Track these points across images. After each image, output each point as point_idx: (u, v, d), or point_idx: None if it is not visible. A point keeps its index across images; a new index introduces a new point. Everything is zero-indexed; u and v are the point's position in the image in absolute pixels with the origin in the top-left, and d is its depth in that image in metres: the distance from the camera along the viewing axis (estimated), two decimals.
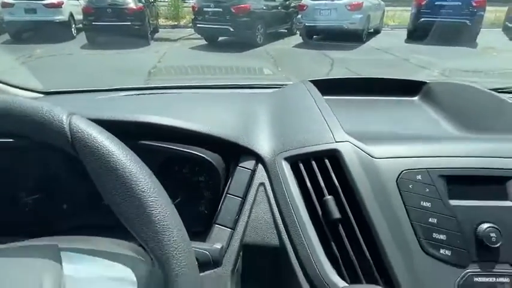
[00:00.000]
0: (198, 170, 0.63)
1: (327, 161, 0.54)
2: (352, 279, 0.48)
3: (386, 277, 0.47)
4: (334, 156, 0.54)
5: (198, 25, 7.56)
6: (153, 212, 0.33)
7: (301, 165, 0.55)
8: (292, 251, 0.51)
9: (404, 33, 8.29)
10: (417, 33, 7.66)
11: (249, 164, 0.58)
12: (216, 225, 0.54)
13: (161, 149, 0.56)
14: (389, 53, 6.43)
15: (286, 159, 0.57)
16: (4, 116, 0.35)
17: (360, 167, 0.52)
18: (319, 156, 0.55)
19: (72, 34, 7.83)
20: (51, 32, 7.20)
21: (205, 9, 7.41)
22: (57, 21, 7.61)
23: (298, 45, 7.49)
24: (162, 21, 9.63)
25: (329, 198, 0.51)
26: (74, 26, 7.93)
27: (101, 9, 7.31)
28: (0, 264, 0.36)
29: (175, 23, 9.72)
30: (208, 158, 0.56)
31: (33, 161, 0.66)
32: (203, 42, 7.61)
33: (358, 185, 0.51)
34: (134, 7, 7.50)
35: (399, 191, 0.49)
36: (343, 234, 0.50)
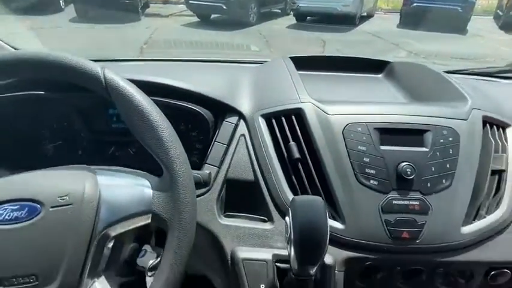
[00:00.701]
0: (192, 126, 0.78)
1: (293, 117, 0.69)
2: None
3: (330, 199, 0.64)
4: (299, 113, 0.69)
5: (190, 1, 7.48)
6: (164, 135, 0.48)
7: (273, 121, 0.71)
8: (264, 184, 0.67)
9: (396, 18, 8.38)
10: (409, 19, 7.76)
11: (233, 119, 0.73)
12: (206, 164, 0.69)
13: (166, 104, 0.70)
14: (379, 37, 6.55)
15: (262, 115, 0.72)
16: (55, 66, 0.49)
17: (317, 121, 0.67)
18: (288, 113, 0.70)
19: (60, 6, 7.66)
20: (38, 3, 7.04)
21: None
22: None
23: (291, 26, 7.52)
24: None
25: (292, 143, 0.67)
26: None
27: None
28: (49, 174, 0.51)
29: None
30: (202, 112, 0.71)
31: (55, 113, 0.79)
32: (195, 19, 7.57)
33: (315, 135, 0.66)
34: None
35: (344, 138, 0.65)
36: (301, 169, 0.66)
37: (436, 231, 0.63)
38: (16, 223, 0.45)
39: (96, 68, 0.49)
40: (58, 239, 0.45)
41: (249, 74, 0.88)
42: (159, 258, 0.61)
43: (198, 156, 0.76)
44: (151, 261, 0.60)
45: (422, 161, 0.64)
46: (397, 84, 0.97)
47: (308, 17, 7.89)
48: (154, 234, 0.68)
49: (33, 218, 0.45)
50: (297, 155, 0.66)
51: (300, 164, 0.66)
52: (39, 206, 0.46)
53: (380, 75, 1.07)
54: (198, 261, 0.72)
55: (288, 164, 0.67)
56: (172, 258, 0.46)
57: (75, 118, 0.80)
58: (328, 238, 0.47)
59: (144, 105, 0.49)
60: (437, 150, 0.65)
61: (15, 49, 1.06)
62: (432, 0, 7.82)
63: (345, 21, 7.31)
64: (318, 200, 0.50)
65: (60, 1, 7.67)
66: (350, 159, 0.64)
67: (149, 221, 0.49)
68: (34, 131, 0.80)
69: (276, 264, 0.61)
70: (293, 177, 0.66)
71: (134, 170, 0.55)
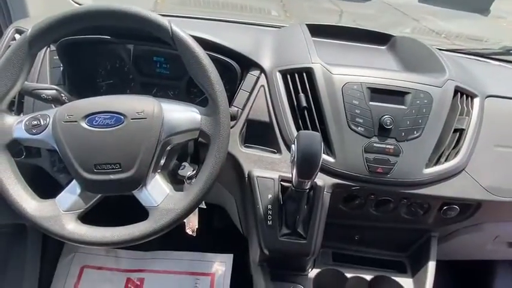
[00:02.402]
0: (224, 75, 0.96)
1: (304, 74, 0.87)
2: None
3: (326, 139, 0.83)
4: (309, 71, 0.87)
5: None
6: (212, 75, 0.67)
7: (288, 76, 0.89)
8: (276, 125, 0.87)
9: None
10: None
11: (256, 72, 0.91)
12: (233, 106, 0.88)
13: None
14: (400, 11, 6.41)
15: (279, 71, 0.90)
16: (136, 17, 0.67)
17: (323, 79, 0.85)
18: (300, 71, 0.88)
19: None
20: None
21: None
22: None
23: None
24: None
25: (302, 95, 0.85)
26: None
27: None
28: (129, 97, 0.71)
29: None
30: (233, 65, 0.90)
31: (112, 55, 0.98)
32: None
33: (320, 89, 0.85)
34: None
35: (342, 94, 0.84)
36: (306, 115, 0.85)
37: (404, 170, 0.83)
38: (107, 127, 0.65)
39: (165, 22, 0.67)
40: (136, 141, 0.66)
41: (270, 35, 1.04)
42: (194, 171, 0.83)
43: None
44: (189, 173, 0.82)
45: (400, 115, 0.83)
46: (395, 56, 1.13)
47: None
48: (190, 155, 0.89)
49: (119, 125, 0.66)
50: (304, 103, 0.85)
51: (305, 111, 0.85)
52: (123, 117, 0.66)
53: (384, 47, 1.23)
54: (221, 178, 0.94)
55: (297, 111, 0.86)
56: (214, 159, 0.67)
57: (127, 61, 0.99)
58: (320, 160, 0.67)
59: (199, 53, 0.67)
60: (413, 108, 0.83)
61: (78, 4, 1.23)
62: None
63: None
64: (316, 134, 0.69)
65: None
66: (345, 110, 0.83)
67: (197, 136, 0.70)
68: (93, 70, 0.99)
69: (281, 182, 0.83)
70: (299, 120, 0.85)
71: (187, 103, 0.74)
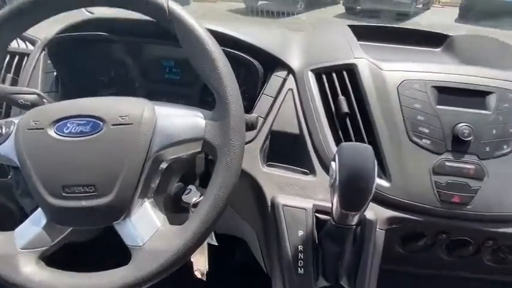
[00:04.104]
0: (242, 76, 0.79)
1: (344, 72, 0.68)
2: None
3: (377, 156, 0.62)
4: (351, 69, 0.68)
5: None
6: (220, 66, 0.49)
7: (323, 76, 0.70)
8: (308, 137, 0.67)
9: (455, 12, 7.81)
10: (470, 13, 7.21)
11: (282, 73, 0.73)
12: (250, 114, 0.70)
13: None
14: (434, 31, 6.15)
15: (312, 71, 0.71)
16: None
17: (370, 77, 0.65)
18: (339, 69, 0.69)
19: None
20: None
21: None
22: None
23: (339, 15, 7.29)
24: None
25: (342, 97, 0.65)
26: None
27: None
28: (112, 99, 0.54)
29: None
30: (254, 63, 0.72)
31: (114, 59, 0.84)
32: (241, 5, 7.59)
33: (366, 90, 0.64)
34: None
35: (398, 95, 0.63)
36: (349, 123, 0.64)
37: (491, 199, 0.59)
38: (81, 136, 0.49)
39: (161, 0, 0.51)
40: (117, 155, 0.48)
41: (299, 33, 0.87)
42: (202, 197, 0.64)
43: (244, 106, 0.78)
44: (195, 199, 0.63)
45: (482, 123, 0.60)
46: (456, 56, 0.91)
47: (358, 7, 7.59)
48: (199, 177, 0.70)
49: (95, 133, 0.49)
50: (345, 109, 0.64)
51: (348, 119, 0.65)
52: (101, 123, 0.49)
53: (438, 49, 1.01)
54: (237, 206, 0.73)
55: (335, 118, 0.66)
56: (220, 182, 0.48)
57: (132, 66, 0.84)
58: (374, 185, 0.46)
59: (204, 37, 0.50)
60: (501, 114, 0.60)
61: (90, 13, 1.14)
62: None
63: (398, 13, 6.95)
64: (367, 146, 0.49)
65: None
66: (403, 116, 0.62)
67: (200, 148, 0.51)
68: (93, 78, 0.86)
69: (316, 214, 0.61)
70: (339, 131, 0.65)
71: (188, 106, 0.57)
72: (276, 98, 0.71)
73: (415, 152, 0.60)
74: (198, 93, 0.85)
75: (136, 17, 0.74)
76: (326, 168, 0.64)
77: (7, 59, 0.82)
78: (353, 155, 0.47)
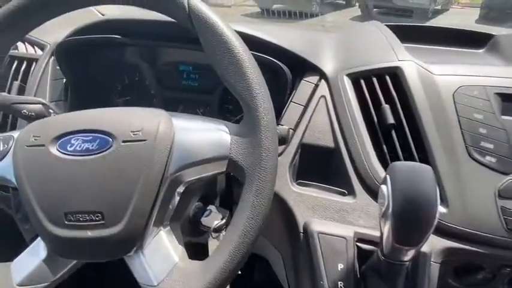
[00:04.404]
0: (268, 81, 0.71)
1: (387, 77, 0.59)
2: None
3: None
4: (395, 73, 0.59)
5: None
6: (249, 70, 0.42)
7: (362, 81, 0.61)
8: (346, 152, 0.58)
9: (475, 13, 7.56)
10: (491, 13, 6.96)
11: (313, 79, 0.65)
12: (280, 125, 0.62)
13: None
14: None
15: (348, 75, 0.62)
16: None
17: (419, 82, 0.56)
18: (381, 73, 0.60)
19: None
20: None
21: None
22: None
23: (355, 18, 7.16)
24: None
25: (386, 106, 0.57)
26: None
27: None
28: (124, 110, 0.47)
29: None
30: (283, 67, 0.64)
31: (128, 65, 0.78)
32: (256, 9, 7.55)
33: (415, 97, 0.55)
34: None
35: (454, 103, 0.53)
36: (395, 137, 0.55)
37: None
38: (86, 155, 0.41)
39: None
40: (128, 177, 0.41)
41: (331, 34, 0.78)
42: (224, 220, 0.56)
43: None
44: (216, 222, 0.55)
45: None
46: (504, 60, 0.80)
47: (375, 9, 7.43)
48: (219, 195, 0.63)
49: (103, 151, 0.41)
50: (390, 119, 0.56)
51: (393, 131, 0.56)
52: (110, 139, 0.42)
53: (481, 51, 0.91)
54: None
55: (378, 130, 0.57)
56: (249, 211, 0.40)
57: (147, 72, 0.78)
58: (437, 215, 0.38)
59: (230, 36, 0.42)
60: None
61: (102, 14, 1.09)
62: None
63: (416, 14, 6.77)
64: (426, 167, 0.40)
65: None
66: (461, 128, 0.52)
67: (224, 168, 0.43)
68: (105, 84, 0.79)
69: (358, 243, 0.52)
70: (383, 145, 0.56)
71: (210, 118, 0.50)
72: (306, 107, 0.63)
73: (477, 171, 0.51)
74: (218, 100, 0.77)
75: (152, 17, 0.67)
76: (368, 188, 0.55)
77: (15, 64, 0.77)
78: (410, 178, 0.39)
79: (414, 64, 0.58)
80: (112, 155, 0.41)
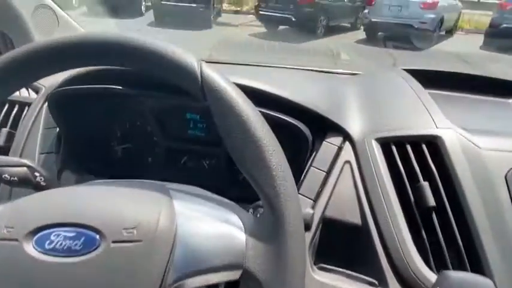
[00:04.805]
0: (285, 144, 0.63)
1: (424, 146, 0.52)
2: (439, 269, 0.46)
3: (477, 268, 0.44)
4: (434, 142, 0.51)
5: (261, 12, 7.58)
6: (272, 159, 0.34)
7: (393, 148, 0.53)
8: (376, 233, 0.50)
9: (479, 39, 7.60)
10: (496, 40, 6.99)
11: (336, 140, 0.58)
12: (299, 195, 0.54)
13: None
14: (461, 59, 5.96)
15: (377, 139, 0.55)
16: (140, 53, 0.37)
17: (464, 156, 0.49)
18: (416, 141, 0.52)
19: (141, 11, 8.28)
20: (121, 7, 7.64)
21: None
22: None
23: (360, 41, 7.20)
24: (225, 5, 9.80)
25: (424, 184, 0.49)
26: (143, 3, 8.36)
27: None
28: (116, 193, 0.39)
29: (238, 9, 9.83)
30: (301, 127, 0.57)
31: (128, 111, 0.71)
32: (263, 29, 7.63)
33: (459, 174, 0.48)
34: None
35: (508, 186, 0.46)
36: (437, 224, 0.47)
37: None
38: (68, 256, 0.33)
39: (192, 61, 0.37)
40: (118, 287, 0.33)
41: (352, 85, 0.71)
42: None
43: None
44: None
45: None
46: None
47: (380, 33, 7.49)
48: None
49: (89, 252, 0.33)
50: (431, 201, 0.47)
51: (434, 214, 0.48)
52: (98, 237, 0.34)
53: (511, 100, 0.84)
54: None
55: (416, 212, 0.49)
56: None
57: (149, 119, 0.71)
58: None
59: (250, 116, 0.35)
60: None
61: None
62: None
63: (421, 38, 6.81)
64: (487, 282, 0.32)
65: (142, 6, 8.29)
66: None
67: (237, 277, 0.35)
68: (104, 130, 0.72)
69: None
70: (422, 229, 0.48)
71: (219, 198, 0.42)
72: (329, 173, 0.55)
73: None
74: (226, 153, 0.70)
75: None
76: (403, 281, 0.47)
77: (5, 108, 0.70)
78: None
79: (455, 134, 0.51)
80: (99, 259, 0.33)
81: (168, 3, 7.52)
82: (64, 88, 0.59)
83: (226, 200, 0.41)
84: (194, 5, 7.58)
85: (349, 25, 8.37)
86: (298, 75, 0.88)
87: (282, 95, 0.58)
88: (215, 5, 8.41)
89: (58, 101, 0.61)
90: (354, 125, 0.58)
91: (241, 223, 0.36)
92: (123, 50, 0.38)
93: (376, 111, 0.60)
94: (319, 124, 0.59)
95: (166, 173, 0.72)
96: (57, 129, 0.65)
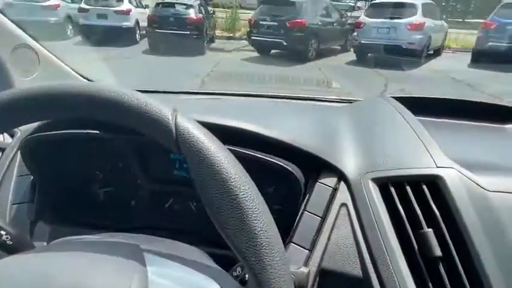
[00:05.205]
0: (274, 188, 0.59)
1: (425, 187, 0.48)
2: None
3: None
4: (434, 183, 0.48)
5: (253, 37, 7.73)
6: (257, 227, 0.30)
7: (392, 189, 0.50)
8: (378, 285, 0.45)
9: (466, 57, 7.79)
10: (483, 58, 7.17)
11: (331, 181, 0.54)
12: (292, 243, 0.49)
13: (242, 156, 0.53)
14: (450, 77, 6.07)
15: (374, 180, 0.51)
16: (111, 105, 0.34)
17: (468, 199, 0.45)
18: (416, 181, 0.49)
19: (136, 39, 8.41)
20: (116, 35, 7.76)
21: (261, 22, 7.58)
22: (125, 27, 8.22)
23: (350, 62, 7.34)
24: (218, 32, 10.01)
25: (429, 231, 0.45)
26: (138, 32, 8.51)
27: (165, 18, 7.77)
28: (87, 260, 0.35)
29: (231, 35, 10.04)
30: (292, 170, 0.53)
31: (109, 153, 0.67)
32: (255, 54, 7.75)
33: (465, 219, 0.44)
34: (194, 17, 7.90)
35: None
36: (445, 275, 0.43)
37: None
38: None
39: (166, 113, 0.33)
40: None
41: (343, 117, 0.68)
42: None
43: (278, 222, 0.58)
44: None
45: None
46: None
47: (369, 54, 7.65)
48: None
49: None
50: (437, 251, 0.43)
51: (440, 265, 0.43)
52: None
53: (509, 126, 0.81)
54: None
55: (420, 260, 0.45)
56: None
57: (132, 161, 0.67)
58: None
59: (231, 175, 0.32)
60: None
61: (88, 80, 1.01)
62: (509, 39, 7.19)
63: (409, 59, 6.95)
64: None
65: (137, 35, 8.44)
66: None
67: None
68: (83, 175, 0.68)
69: None
70: (429, 283, 0.43)
71: (202, 257, 0.37)
72: (324, 218, 0.51)
73: None
74: None
75: None
76: None
77: None
78: None
79: (457, 173, 0.47)
80: None
81: (162, 31, 7.65)
82: (37, 134, 0.55)
83: (209, 263, 0.36)
84: (187, 32, 7.72)
85: (339, 47, 8.55)
86: (288, 108, 0.86)
87: (270, 135, 0.55)
88: (208, 32, 8.59)
89: (32, 148, 0.57)
90: (349, 164, 0.54)
91: None
92: (93, 101, 0.35)
93: (371, 147, 0.57)
94: (311, 164, 0.56)
95: (151, 217, 0.67)
96: (32, 176, 0.60)
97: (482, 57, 7.26)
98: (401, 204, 0.48)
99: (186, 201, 0.68)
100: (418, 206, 0.47)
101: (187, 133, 0.33)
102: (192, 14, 7.92)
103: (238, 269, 0.44)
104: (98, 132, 0.57)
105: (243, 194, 0.32)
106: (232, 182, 0.32)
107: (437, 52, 8.42)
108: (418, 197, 0.48)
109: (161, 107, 0.34)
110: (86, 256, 0.35)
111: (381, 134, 0.60)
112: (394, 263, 0.45)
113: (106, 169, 0.70)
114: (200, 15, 8.10)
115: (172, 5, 8.05)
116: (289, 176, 0.53)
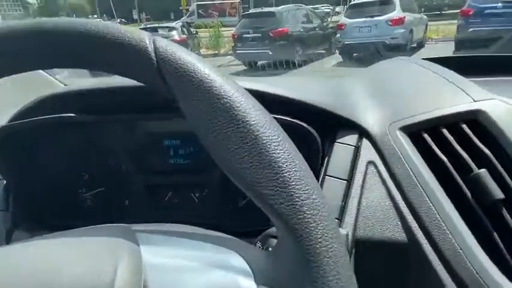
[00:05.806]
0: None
1: (464, 126, 0.40)
2: None
3: None
4: (475, 120, 0.40)
5: (238, 51, 7.78)
6: (277, 151, 0.22)
7: (426, 137, 0.42)
8: (430, 247, 0.37)
9: (449, 46, 7.88)
10: (466, 44, 7.25)
11: (351, 139, 0.46)
12: (341, 230, 0.41)
13: None
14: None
15: (402, 129, 0.44)
16: (77, 36, 0.26)
17: None
18: (452, 121, 0.41)
19: None
20: None
21: (244, 35, 7.64)
22: None
23: (337, 64, 7.37)
24: (203, 51, 10.09)
25: (483, 171, 0.37)
26: None
27: None
28: (67, 245, 0.26)
29: (216, 52, 10.12)
30: (310, 129, 0.45)
31: (96, 148, 0.59)
32: (242, 67, 7.78)
33: None
34: (178, 38, 7.98)
35: None
36: (509, 218, 0.35)
37: None
38: None
39: (143, 38, 0.26)
40: None
41: (357, 77, 0.61)
42: None
43: None
44: None
45: None
46: None
47: (355, 54, 7.70)
48: None
49: None
50: (497, 193, 0.35)
51: (504, 210, 0.35)
52: None
53: None
54: None
55: (477, 208, 0.37)
56: None
57: (121, 154, 0.59)
58: None
59: (227, 92, 0.24)
60: None
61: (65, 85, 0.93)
62: (490, 22, 7.30)
63: (394, 54, 7.02)
64: None
65: None
66: None
67: None
68: (66, 176, 0.60)
69: None
70: (494, 233, 0.35)
71: (211, 232, 0.29)
72: (350, 181, 0.43)
73: None
74: (218, 180, 0.57)
75: (125, 84, 0.51)
76: None
77: None
78: None
79: (501, 103, 0.40)
80: None
81: None
82: (4, 125, 0.47)
83: (220, 234, 0.28)
84: None
85: (324, 51, 8.62)
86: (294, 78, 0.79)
87: (277, 93, 0.48)
88: (193, 51, 8.64)
89: (1, 143, 0.48)
90: (370, 117, 0.47)
91: (246, 265, 0.23)
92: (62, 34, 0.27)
93: (395, 96, 0.50)
94: (326, 123, 0.48)
95: (149, 215, 0.59)
96: (4, 182, 0.52)
97: (464, 44, 7.33)
98: (444, 150, 0.40)
99: (186, 192, 0.60)
100: (466, 150, 0.39)
101: (172, 55, 0.25)
102: (175, 35, 8.01)
103: (258, 244, 0.35)
104: (77, 115, 0.49)
105: (250, 118, 0.23)
106: (245, 113, 0.23)
107: (420, 44, 8.52)
108: (457, 140, 0.41)
109: (136, 33, 0.26)
110: (66, 242, 0.27)
111: (404, 81, 0.53)
112: (447, 221, 0.37)
113: (92, 168, 0.62)
114: (184, 35, 8.18)
115: (155, 29, 8.13)
116: (305, 135, 0.46)
